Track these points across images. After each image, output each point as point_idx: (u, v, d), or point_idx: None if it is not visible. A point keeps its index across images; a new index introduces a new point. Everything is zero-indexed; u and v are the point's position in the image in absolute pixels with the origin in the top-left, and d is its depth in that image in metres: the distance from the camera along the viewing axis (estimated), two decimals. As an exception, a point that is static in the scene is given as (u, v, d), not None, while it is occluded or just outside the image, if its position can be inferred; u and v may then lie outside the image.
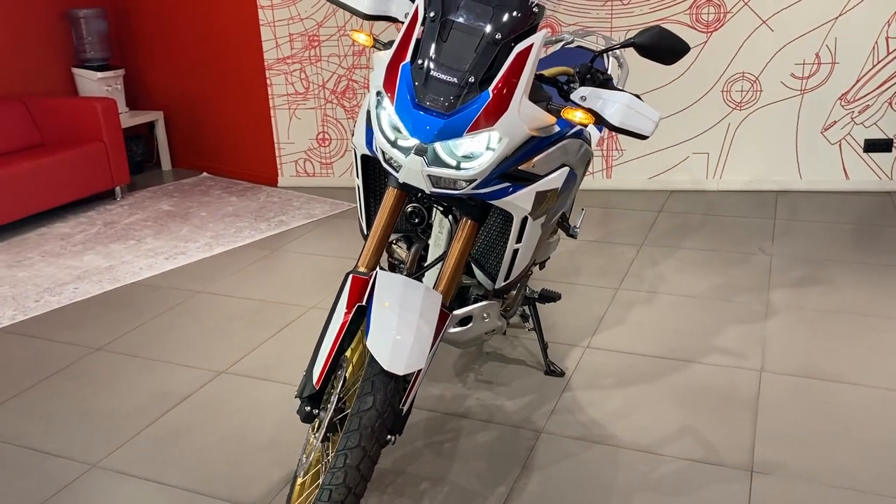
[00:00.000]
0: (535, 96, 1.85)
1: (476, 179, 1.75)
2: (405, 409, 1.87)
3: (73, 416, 2.56)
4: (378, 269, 1.86)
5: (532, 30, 1.75)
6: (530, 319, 2.71)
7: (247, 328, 3.15)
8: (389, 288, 1.76)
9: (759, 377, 2.62)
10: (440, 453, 2.29)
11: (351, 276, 1.84)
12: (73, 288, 3.63)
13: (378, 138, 1.80)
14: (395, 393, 1.67)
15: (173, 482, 2.20)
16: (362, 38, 1.94)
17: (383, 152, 1.84)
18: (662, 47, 1.94)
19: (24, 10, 5.17)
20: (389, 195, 1.92)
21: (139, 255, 4.05)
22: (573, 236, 2.85)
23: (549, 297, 2.65)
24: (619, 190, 4.86)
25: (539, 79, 1.97)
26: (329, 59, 4.95)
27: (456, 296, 2.22)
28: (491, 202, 1.84)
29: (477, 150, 1.73)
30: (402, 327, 1.68)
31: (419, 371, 1.85)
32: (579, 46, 3.09)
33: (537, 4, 1.75)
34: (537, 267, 2.88)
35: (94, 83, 5.48)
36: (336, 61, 4.94)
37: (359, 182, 2.12)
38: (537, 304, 2.71)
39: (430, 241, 2.14)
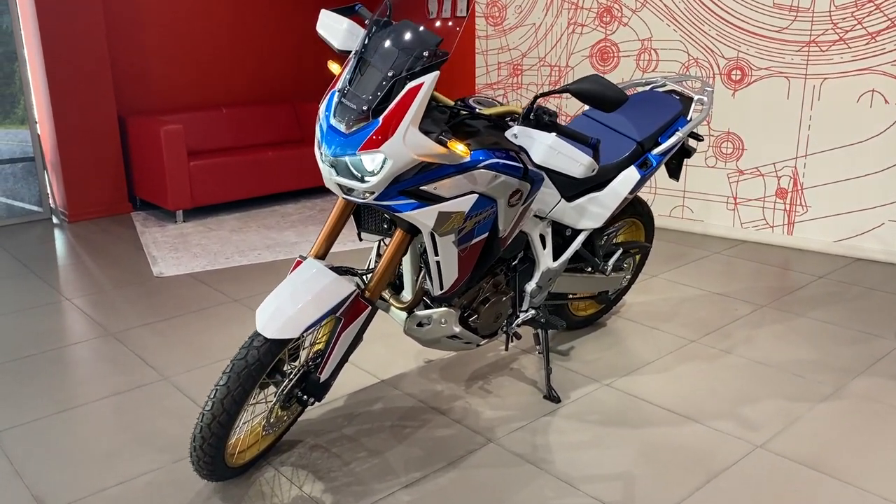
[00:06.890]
0: (427, 127, 2.05)
1: (374, 192, 2.06)
2: (322, 377, 2.25)
3: (182, 343, 3.33)
4: (310, 256, 2.26)
5: (434, 67, 2.00)
6: (541, 344, 2.84)
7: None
8: (302, 271, 2.15)
9: (749, 451, 2.45)
10: (396, 435, 2.58)
11: (297, 259, 2.27)
12: (258, 254, 4.52)
13: (315, 150, 2.19)
14: (268, 353, 2.05)
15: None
16: (335, 68, 2.34)
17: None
18: (597, 95, 2.05)
19: (304, 34, 6.35)
20: (339, 202, 2.30)
21: (323, 237, 4.83)
22: (602, 272, 2.92)
23: (553, 325, 2.76)
24: (798, 249, 4.49)
25: (482, 118, 2.19)
26: (528, 87, 5.30)
27: (425, 298, 2.51)
28: (397, 215, 2.12)
29: (377, 168, 2.03)
30: (288, 301, 2.06)
31: (333, 347, 2.21)
32: (672, 91, 3.10)
33: (435, 48, 1.99)
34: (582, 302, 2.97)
35: (354, 94, 6.50)
36: (534, 88, 5.28)
37: None
38: (548, 330, 2.84)
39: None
